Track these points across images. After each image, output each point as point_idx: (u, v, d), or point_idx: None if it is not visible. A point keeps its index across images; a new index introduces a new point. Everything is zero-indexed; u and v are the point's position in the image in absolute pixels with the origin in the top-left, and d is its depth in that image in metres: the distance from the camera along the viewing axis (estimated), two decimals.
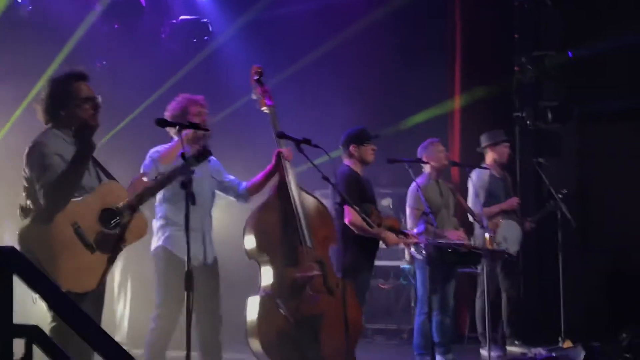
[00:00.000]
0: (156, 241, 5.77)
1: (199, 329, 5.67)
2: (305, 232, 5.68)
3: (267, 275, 5.61)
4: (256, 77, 5.98)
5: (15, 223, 5.24)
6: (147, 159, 5.69)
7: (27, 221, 4.57)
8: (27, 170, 4.62)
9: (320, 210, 5.94)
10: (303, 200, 5.77)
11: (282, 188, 5.74)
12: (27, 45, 7.83)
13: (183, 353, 4.76)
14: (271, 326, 5.49)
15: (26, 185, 4.63)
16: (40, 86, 5.08)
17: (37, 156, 4.60)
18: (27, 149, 4.65)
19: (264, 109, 5.84)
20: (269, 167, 5.81)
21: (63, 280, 4.45)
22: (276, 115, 5.83)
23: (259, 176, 5.89)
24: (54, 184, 4.52)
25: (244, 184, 5.92)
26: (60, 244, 4.50)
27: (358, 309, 5.99)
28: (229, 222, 7.13)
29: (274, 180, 5.81)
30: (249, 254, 5.65)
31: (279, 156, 5.72)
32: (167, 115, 5.68)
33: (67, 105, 4.71)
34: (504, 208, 7.91)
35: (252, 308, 5.57)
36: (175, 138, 5.68)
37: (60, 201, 4.54)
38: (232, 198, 5.94)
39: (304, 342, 5.51)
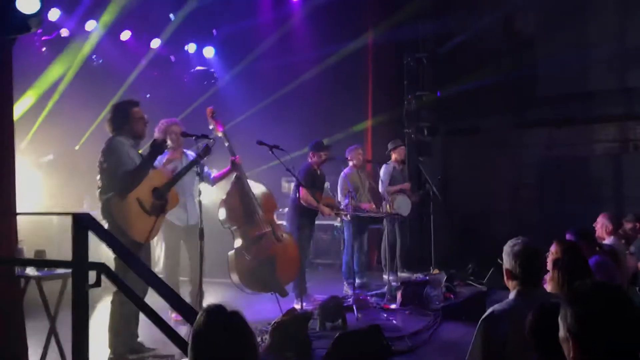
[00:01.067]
0: None
1: (189, 265, 5.75)
2: (256, 204, 5.78)
3: (237, 236, 5.77)
4: (211, 115, 5.77)
5: (92, 198, 5.16)
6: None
7: (106, 196, 4.50)
8: (103, 161, 4.54)
9: (264, 191, 6.04)
10: (252, 186, 5.87)
11: (238, 181, 5.81)
12: (97, 83, 7.71)
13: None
14: (243, 266, 5.67)
15: (101, 171, 4.55)
16: (107, 110, 4.95)
17: (114, 152, 4.56)
18: (104, 147, 4.59)
19: (219, 133, 5.71)
20: (226, 169, 5.80)
21: (134, 233, 4.46)
22: (227, 136, 5.74)
23: (219, 173, 5.87)
24: (130, 173, 4.49)
25: (212, 175, 5.87)
26: (131, 211, 4.50)
27: (296, 250, 6.11)
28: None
29: (233, 175, 5.82)
30: (222, 223, 5.77)
31: (233, 162, 5.72)
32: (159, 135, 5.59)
33: (128, 121, 4.68)
34: (401, 188, 7.99)
35: (231, 257, 5.73)
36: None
37: (134, 184, 4.52)
38: (205, 183, 5.67)
39: (266, 274, 5.68)
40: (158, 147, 4.65)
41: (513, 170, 9.67)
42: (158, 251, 7.81)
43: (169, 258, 5.78)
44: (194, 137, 5.15)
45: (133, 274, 3.32)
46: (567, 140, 9.28)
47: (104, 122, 4.84)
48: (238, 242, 5.74)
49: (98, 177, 4.59)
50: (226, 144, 5.73)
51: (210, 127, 5.76)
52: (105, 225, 4.43)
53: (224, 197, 5.82)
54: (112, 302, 4.57)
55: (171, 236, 5.75)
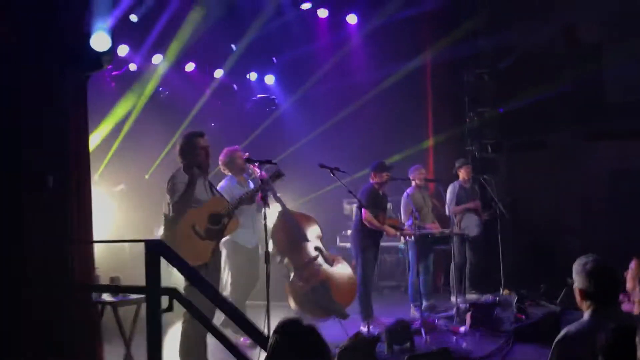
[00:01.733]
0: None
1: (242, 287, 5.91)
2: (302, 232, 5.91)
3: (288, 266, 5.88)
4: (245, 158, 5.57)
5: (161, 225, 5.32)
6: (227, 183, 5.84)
7: (167, 223, 4.72)
8: (167, 192, 4.76)
9: (308, 219, 6.12)
10: (294, 214, 5.99)
11: (281, 212, 5.92)
12: (165, 114, 7.99)
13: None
14: (298, 295, 5.75)
15: (166, 201, 4.75)
16: (175, 139, 5.13)
17: (169, 181, 4.75)
18: (169, 179, 4.79)
19: (257, 170, 5.66)
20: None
21: (185, 258, 4.57)
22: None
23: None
24: (176, 202, 4.65)
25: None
26: (181, 236, 4.62)
27: (350, 271, 6.11)
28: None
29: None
30: (274, 254, 5.81)
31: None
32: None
33: (193, 151, 4.81)
34: (469, 207, 7.87)
35: (287, 287, 5.84)
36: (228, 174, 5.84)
37: (181, 212, 4.67)
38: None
39: (322, 298, 5.75)
40: (193, 178, 4.74)
41: (582, 185, 9.31)
42: (225, 275, 7.94)
43: (236, 280, 5.90)
44: (258, 163, 5.26)
45: (202, 298, 3.42)
46: (639, 151, 8.90)
47: (172, 151, 5.03)
48: (290, 272, 5.86)
49: (164, 206, 4.80)
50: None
51: (249, 171, 5.96)
52: None
53: (272, 228, 5.86)
54: (183, 323, 4.69)
55: (237, 258, 5.86)
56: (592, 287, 2.63)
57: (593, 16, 9.22)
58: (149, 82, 7.82)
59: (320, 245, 6.09)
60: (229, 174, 5.98)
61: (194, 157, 4.81)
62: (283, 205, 5.94)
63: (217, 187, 5.44)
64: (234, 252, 5.79)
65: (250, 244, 5.87)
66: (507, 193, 9.16)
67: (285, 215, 5.92)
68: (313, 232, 6.08)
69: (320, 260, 5.91)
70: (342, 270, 6.03)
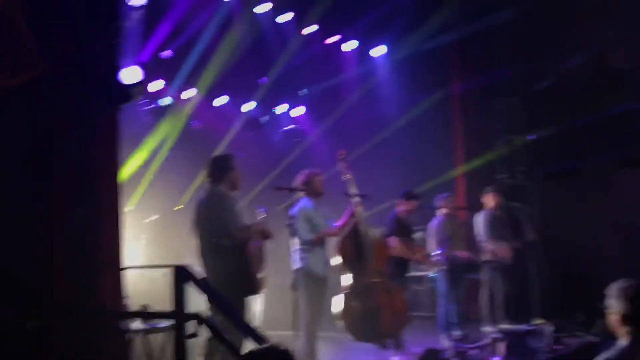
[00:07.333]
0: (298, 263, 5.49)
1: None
2: (369, 251, 5.68)
3: (346, 281, 5.67)
4: (341, 157, 5.92)
5: (191, 254, 5.34)
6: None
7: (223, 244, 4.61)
8: (215, 212, 4.64)
9: (378, 238, 5.93)
10: (367, 231, 5.77)
11: (356, 224, 5.76)
12: (196, 144, 8.13)
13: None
14: (348, 312, 5.58)
15: (214, 220, 4.62)
16: (206, 165, 5.11)
17: (225, 201, 4.70)
18: (213, 196, 4.70)
19: (346, 177, 5.81)
20: (345, 216, 5.77)
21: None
22: (353, 181, 5.83)
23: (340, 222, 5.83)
24: (248, 229, 4.70)
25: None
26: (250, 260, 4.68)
27: (406, 304, 5.96)
28: None
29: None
30: (336, 268, 5.69)
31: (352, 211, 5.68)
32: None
33: (229, 172, 4.82)
34: (499, 253, 7.64)
35: (337, 300, 5.66)
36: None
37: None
38: None
39: (369, 324, 5.58)
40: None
41: (618, 213, 9.07)
42: (259, 306, 7.93)
43: (309, 310, 5.49)
44: (287, 190, 5.32)
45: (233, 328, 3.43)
46: None
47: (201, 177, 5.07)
48: (346, 287, 5.67)
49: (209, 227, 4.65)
50: (350, 190, 5.78)
51: (340, 169, 5.90)
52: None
53: (337, 241, 5.76)
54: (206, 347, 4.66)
55: (314, 287, 5.53)
56: (632, 310, 2.60)
57: (628, 42, 9.13)
58: (181, 114, 8.03)
59: (384, 268, 5.93)
60: (305, 196, 5.73)
61: (233, 177, 4.83)
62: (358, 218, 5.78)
63: (294, 211, 5.49)
64: (309, 281, 5.51)
65: (324, 272, 5.62)
66: (540, 221, 8.99)
67: (358, 225, 5.74)
68: (381, 253, 5.89)
69: (380, 285, 5.72)
70: (397, 300, 5.85)
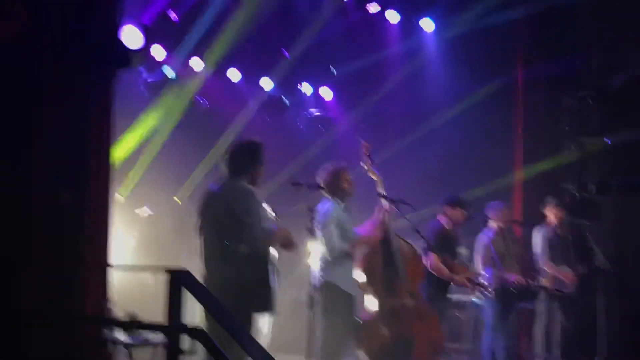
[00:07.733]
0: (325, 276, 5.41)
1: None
2: (400, 268, 5.59)
3: (371, 302, 5.55)
4: (367, 154, 5.83)
5: (190, 254, 5.29)
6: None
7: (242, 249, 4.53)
8: (234, 210, 4.52)
9: (411, 252, 5.81)
10: (398, 244, 5.68)
11: (386, 237, 5.64)
12: (202, 125, 8.19)
13: None
14: (374, 342, 5.45)
15: (234, 217, 4.50)
16: (213, 151, 5.08)
17: (252, 198, 4.60)
18: (236, 195, 4.56)
19: (372, 176, 5.75)
20: (371, 222, 5.71)
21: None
22: (381, 180, 5.77)
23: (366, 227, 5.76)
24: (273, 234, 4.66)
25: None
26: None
27: (441, 333, 5.88)
28: None
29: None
30: (359, 286, 5.55)
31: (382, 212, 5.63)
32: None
33: (255, 164, 4.71)
34: (560, 280, 7.58)
35: (361, 326, 5.51)
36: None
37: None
38: None
39: (399, 356, 5.47)
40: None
41: None
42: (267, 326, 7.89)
43: (333, 335, 5.43)
44: (305, 186, 5.29)
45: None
46: None
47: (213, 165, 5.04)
48: (372, 311, 5.54)
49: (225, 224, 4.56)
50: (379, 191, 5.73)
51: (364, 166, 5.82)
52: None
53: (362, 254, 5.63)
54: None
55: (341, 308, 5.47)
56: None
57: None
58: (185, 90, 8.05)
59: (418, 289, 5.81)
60: (329, 197, 5.69)
61: (258, 170, 4.77)
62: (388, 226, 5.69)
63: (319, 214, 5.41)
64: (339, 298, 5.44)
65: (354, 291, 5.55)
66: (613, 243, 8.87)
67: (388, 235, 5.64)
68: (415, 270, 5.76)
69: (413, 309, 5.59)
70: (432, 327, 5.74)
